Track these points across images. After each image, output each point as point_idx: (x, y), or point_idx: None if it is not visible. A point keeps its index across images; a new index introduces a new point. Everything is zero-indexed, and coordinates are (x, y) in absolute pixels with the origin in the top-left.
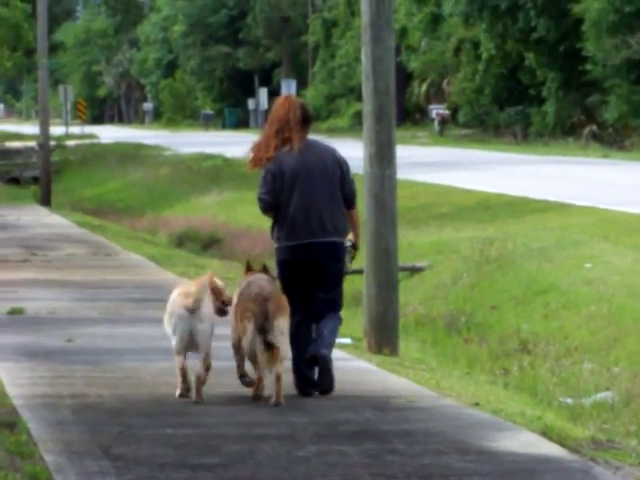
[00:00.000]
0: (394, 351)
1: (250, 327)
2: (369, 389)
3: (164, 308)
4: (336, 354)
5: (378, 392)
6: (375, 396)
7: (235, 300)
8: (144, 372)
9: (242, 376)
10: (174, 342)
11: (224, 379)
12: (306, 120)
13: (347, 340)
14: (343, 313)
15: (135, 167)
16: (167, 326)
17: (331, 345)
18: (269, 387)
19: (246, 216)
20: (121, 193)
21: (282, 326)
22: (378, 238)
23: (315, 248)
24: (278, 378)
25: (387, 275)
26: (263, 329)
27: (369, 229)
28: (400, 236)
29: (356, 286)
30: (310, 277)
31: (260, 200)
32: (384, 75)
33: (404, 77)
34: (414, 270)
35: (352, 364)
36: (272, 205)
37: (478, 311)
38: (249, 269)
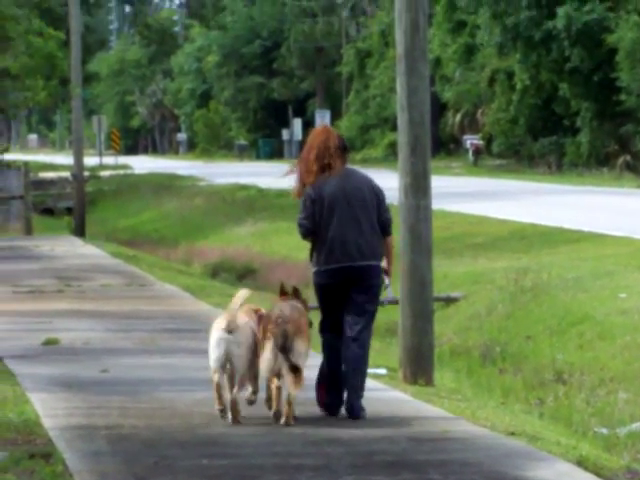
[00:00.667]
0: (429, 381)
1: (269, 346)
2: (405, 419)
3: (198, 339)
4: (371, 384)
5: (414, 422)
6: (411, 426)
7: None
8: (179, 402)
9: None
10: (211, 360)
11: (261, 408)
12: (345, 148)
13: (382, 370)
14: (378, 344)
15: (169, 198)
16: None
17: (364, 381)
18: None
19: (281, 247)
20: (155, 224)
21: (300, 348)
22: (414, 269)
23: (353, 271)
24: (290, 402)
25: (422, 306)
26: (284, 348)
27: (404, 260)
28: (435, 266)
29: (391, 317)
30: (346, 300)
31: (300, 225)
32: (419, 106)
33: (438, 107)
34: (449, 300)
35: (387, 394)
36: (311, 230)
37: (513, 341)
38: (283, 293)
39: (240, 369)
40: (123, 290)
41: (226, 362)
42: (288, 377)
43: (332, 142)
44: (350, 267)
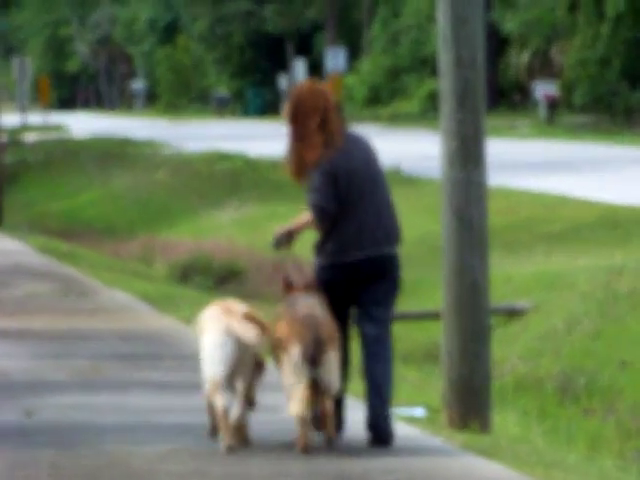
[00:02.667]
0: (485, 426)
1: (296, 351)
2: (450, 478)
3: (162, 368)
4: (404, 431)
5: None
6: None
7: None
8: (136, 458)
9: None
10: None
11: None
12: (340, 108)
13: (420, 411)
14: (414, 374)
15: (120, 171)
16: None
17: (390, 403)
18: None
19: None
20: (101, 207)
21: (333, 363)
22: (462, 270)
23: (380, 261)
24: (305, 421)
25: (475, 321)
26: (314, 360)
27: (449, 257)
28: (493, 266)
29: (432, 336)
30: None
31: (320, 209)
32: (469, 41)
33: (497, 43)
34: (513, 313)
35: (426, 444)
36: (334, 213)
37: (603, 370)
38: (289, 287)
39: (249, 379)
40: (55, 300)
41: (237, 371)
42: (306, 392)
43: (332, 101)
44: (379, 257)
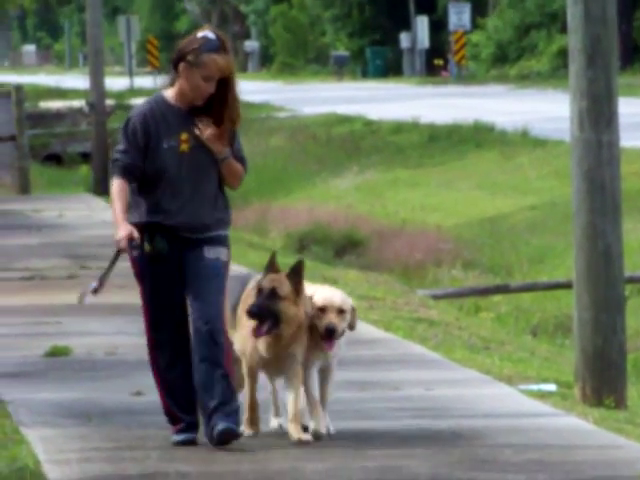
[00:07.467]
0: (621, 401)
1: None
2: (586, 459)
3: None
4: (536, 407)
5: (598, 463)
6: (594, 469)
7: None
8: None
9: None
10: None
11: None
12: None
13: (551, 387)
14: (545, 347)
15: None
16: None
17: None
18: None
19: (400, 206)
20: None
21: None
22: (594, 236)
23: None
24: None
25: (608, 291)
26: None
27: (579, 222)
28: (627, 232)
29: (562, 307)
30: None
31: None
32: None
33: None
34: None
35: (559, 421)
36: None
37: None
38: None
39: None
40: None
41: None
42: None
43: None
44: None
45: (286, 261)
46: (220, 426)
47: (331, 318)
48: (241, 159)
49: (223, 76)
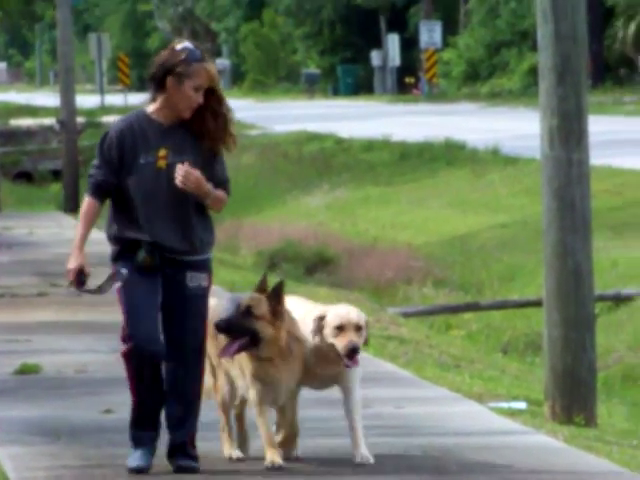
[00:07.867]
0: (591, 419)
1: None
2: (555, 477)
3: None
4: (506, 425)
5: None
6: None
7: None
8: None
9: None
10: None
11: None
12: None
13: (521, 404)
14: (516, 365)
15: None
16: None
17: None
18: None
19: (371, 223)
20: None
21: None
22: (564, 254)
23: None
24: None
25: (578, 309)
26: None
27: (549, 240)
28: (597, 250)
29: (532, 324)
30: None
31: None
32: (570, 12)
33: (602, 14)
34: (619, 300)
35: (529, 439)
36: None
37: None
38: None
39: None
40: None
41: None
42: None
43: None
44: None
45: (255, 279)
46: (180, 461)
47: (351, 336)
48: (223, 182)
49: (211, 85)
